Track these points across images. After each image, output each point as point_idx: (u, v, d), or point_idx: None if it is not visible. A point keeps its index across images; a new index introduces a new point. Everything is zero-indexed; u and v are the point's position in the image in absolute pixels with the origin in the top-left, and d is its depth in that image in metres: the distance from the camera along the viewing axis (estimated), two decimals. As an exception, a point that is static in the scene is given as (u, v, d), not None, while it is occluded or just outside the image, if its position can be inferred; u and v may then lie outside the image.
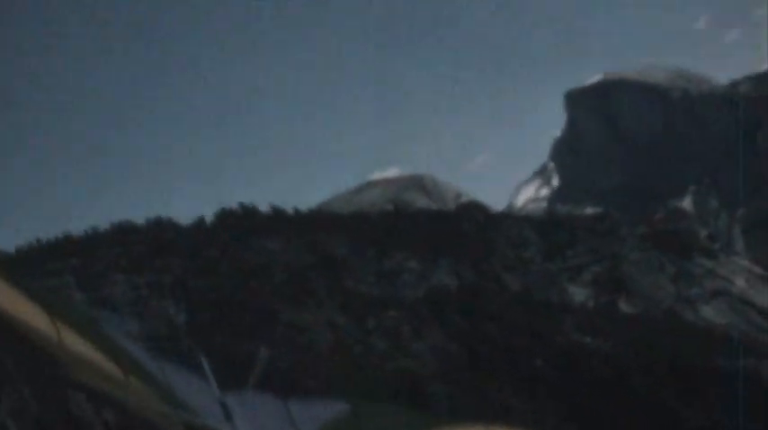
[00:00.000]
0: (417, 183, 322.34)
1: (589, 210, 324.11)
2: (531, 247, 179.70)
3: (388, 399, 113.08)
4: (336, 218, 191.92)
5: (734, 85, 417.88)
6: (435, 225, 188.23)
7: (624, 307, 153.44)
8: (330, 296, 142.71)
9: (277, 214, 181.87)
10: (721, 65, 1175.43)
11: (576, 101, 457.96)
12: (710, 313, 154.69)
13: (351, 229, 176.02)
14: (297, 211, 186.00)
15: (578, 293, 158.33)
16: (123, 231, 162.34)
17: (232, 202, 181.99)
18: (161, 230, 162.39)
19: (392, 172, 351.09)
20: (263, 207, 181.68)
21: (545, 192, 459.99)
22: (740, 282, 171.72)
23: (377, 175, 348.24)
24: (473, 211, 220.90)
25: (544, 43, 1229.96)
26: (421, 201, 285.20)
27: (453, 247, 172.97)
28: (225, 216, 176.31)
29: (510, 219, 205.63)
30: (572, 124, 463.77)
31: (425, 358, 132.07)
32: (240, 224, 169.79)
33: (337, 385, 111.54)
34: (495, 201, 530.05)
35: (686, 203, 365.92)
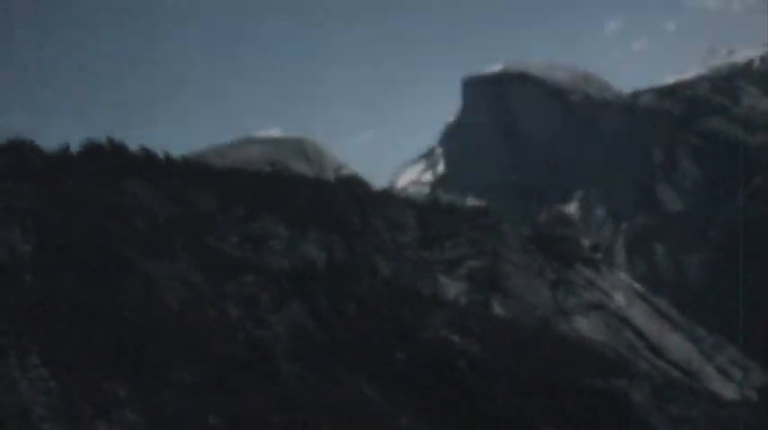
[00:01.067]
0: (299, 147, 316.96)
1: (472, 202, 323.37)
2: (409, 233, 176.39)
3: (236, 372, 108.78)
4: (208, 170, 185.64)
5: (636, 95, 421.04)
6: (312, 193, 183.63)
7: (498, 308, 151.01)
8: (189, 251, 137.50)
9: (147, 157, 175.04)
10: (626, 72, 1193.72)
11: (473, 88, 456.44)
12: (585, 327, 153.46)
13: (221, 185, 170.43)
14: (168, 158, 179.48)
15: (452, 287, 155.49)
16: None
17: (102, 137, 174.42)
18: (18, 152, 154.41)
19: (274, 132, 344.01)
20: (134, 147, 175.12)
21: (428, 176, 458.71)
22: (619, 298, 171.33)
23: (260, 133, 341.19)
24: (353, 185, 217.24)
25: (452, 28, 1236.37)
26: (300, 167, 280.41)
27: (327, 220, 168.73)
28: (92, 149, 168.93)
29: (390, 200, 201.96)
30: (466, 112, 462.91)
31: (281, 333, 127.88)
32: (106, 161, 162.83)
33: (182, 350, 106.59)
34: (376, 179, 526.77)
35: (572, 209, 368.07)
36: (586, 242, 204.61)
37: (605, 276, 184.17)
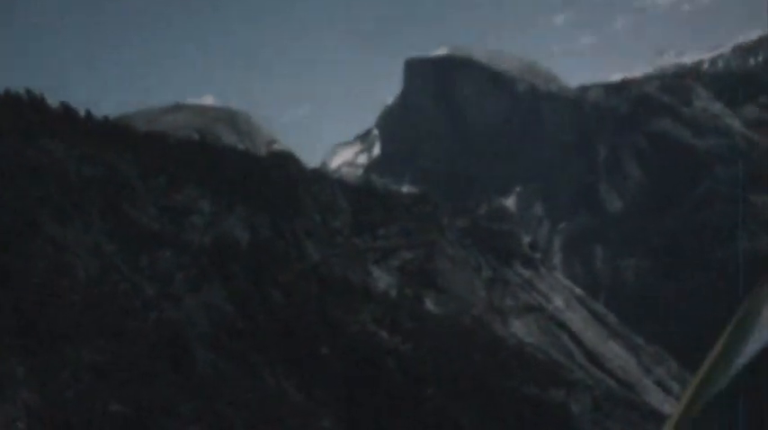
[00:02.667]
0: (230, 117, 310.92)
1: (408, 189, 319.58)
2: (341, 216, 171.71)
3: (145, 355, 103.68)
4: (130, 134, 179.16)
5: (583, 89, 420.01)
6: (240, 168, 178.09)
7: (431, 305, 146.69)
8: (103, 219, 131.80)
9: (67, 114, 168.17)
10: (572, 66, 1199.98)
11: (416, 71, 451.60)
12: (521, 329, 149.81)
13: (144, 151, 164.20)
14: (89, 117, 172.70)
15: (383, 279, 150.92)
16: None
17: (21, 88, 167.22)
18: None
19: (207, 101, 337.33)
20: (54, 103, 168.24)
21: (363, 158, 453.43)
22: (557, 301, 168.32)
23: (190, 101, 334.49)
24: (285, 162, 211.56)
25: (397, 9, 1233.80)
26: (230, 139, 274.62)
27: (255, 197, 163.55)
28: (7, 101, 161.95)
29: (323, 180, 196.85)
30: (407, 95, 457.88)
31: (197, 316, 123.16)
32: (23, 115, 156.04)
33: (88, 326, 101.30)
34: (310, 157, 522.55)
35: (510, 203, 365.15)
36: (525, 239, 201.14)
37: (544, 277, 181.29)
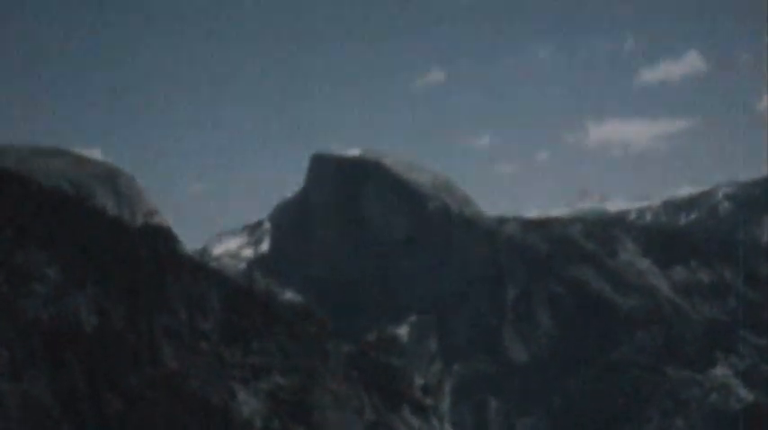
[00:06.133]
0: (112, 176, 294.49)
1: (292, 296, 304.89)
2: (211, 317, 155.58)
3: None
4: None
5: (500, 221, 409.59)
6: (104, 236, 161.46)
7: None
8: None
9: None
10: (489, 192, 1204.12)
11: (321, 167, 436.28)
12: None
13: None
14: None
15: (248, 404, 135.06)
16: None
17: None
18: None
19: (92, 152, 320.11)
20: None
21: (249, 252, 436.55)
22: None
23: (81, 149, 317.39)
24: (159, 240, 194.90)
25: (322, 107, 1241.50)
26: (106, 199, 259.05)
27: (113, 275, 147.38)
28: None
29: (197, 271, 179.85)
30: (308, 191, 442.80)
31: (10, 407, 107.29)
32: None
33: None
34: (192, 239, 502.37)
35: (402, 332, 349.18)
36: (418, 381, 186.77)
37: (433, 428, 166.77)
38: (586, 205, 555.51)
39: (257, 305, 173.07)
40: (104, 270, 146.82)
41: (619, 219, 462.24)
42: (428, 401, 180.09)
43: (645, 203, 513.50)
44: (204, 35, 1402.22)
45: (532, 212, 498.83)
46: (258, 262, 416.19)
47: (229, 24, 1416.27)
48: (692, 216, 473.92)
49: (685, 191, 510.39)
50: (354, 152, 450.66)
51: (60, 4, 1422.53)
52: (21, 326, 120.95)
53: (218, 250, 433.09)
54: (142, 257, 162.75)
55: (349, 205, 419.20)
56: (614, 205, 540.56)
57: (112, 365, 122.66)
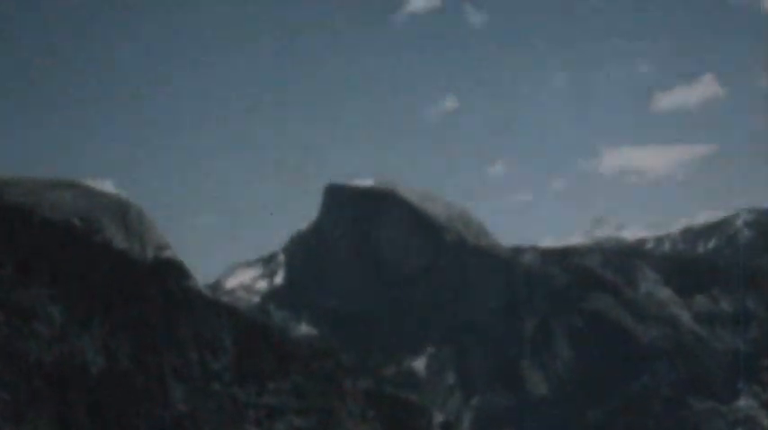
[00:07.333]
0: (122, 209, 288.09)
1: (306, 329, 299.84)
2: (223, 358, 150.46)
3: None
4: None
5: (517, 251, 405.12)
6: (113, 272, 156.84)
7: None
8: None
9: None
10: (504, 221, 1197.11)
11: (335, 199, 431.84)
12: None
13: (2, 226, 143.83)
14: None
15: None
16: None
17: None
18: None
19: (104, 184, 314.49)
20: None
21: (263, 284, 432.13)
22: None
23: (93, 181, 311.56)
24: (170, 275, 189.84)
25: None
26: (116, 233, 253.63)
27: (120, 314, 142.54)
28: None
29: (209, 308, 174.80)
30: (322, 223, 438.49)
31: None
32: None
33: None
34: (205, 272, 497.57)
35: (419, 365, 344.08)
36: (438, 418, 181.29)
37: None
38: (603, 233, 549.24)
39: (271, 343, 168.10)
40: (111, 308, 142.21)
41: (637, 248, 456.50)
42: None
43: (663, 231, 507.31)
44: (218, 67, 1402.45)
45: (548, 241, 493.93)
46: (273, 294, 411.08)
47: (243, 56, 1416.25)
48: (711, 244, 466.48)
49: (703, 218, 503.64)
50: (368, 182, 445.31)
51: (75, 35, 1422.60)
52: (23, 368, 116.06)
53: (231, 283, 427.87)
54: (151, 294, 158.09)
55: (363, 236, 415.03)
56: (631, 233, 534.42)
57: (120, 408, 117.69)
